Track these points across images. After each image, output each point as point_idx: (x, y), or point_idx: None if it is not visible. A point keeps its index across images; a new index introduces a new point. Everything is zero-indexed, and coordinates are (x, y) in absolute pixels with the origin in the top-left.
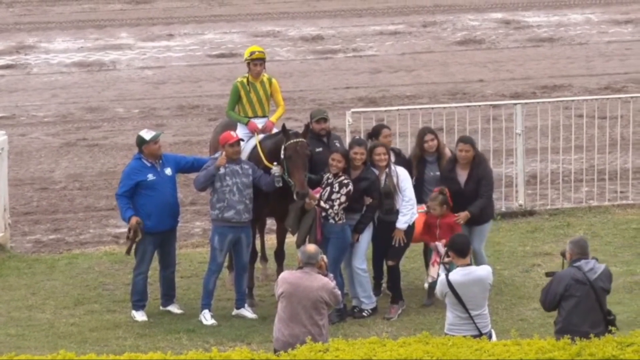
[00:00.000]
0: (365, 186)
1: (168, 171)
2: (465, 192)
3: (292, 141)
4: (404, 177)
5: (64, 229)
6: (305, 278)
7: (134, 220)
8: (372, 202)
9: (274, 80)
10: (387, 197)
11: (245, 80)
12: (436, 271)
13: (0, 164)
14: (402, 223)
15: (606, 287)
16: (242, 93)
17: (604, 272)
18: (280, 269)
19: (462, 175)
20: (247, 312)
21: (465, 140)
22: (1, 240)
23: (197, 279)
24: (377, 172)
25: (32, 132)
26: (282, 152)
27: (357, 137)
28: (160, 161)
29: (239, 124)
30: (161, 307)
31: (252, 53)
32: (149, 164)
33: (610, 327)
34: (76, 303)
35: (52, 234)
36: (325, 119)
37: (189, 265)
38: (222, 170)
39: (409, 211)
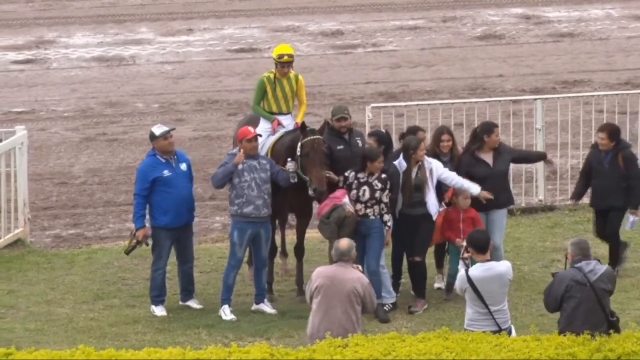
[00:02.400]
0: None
1: (183, 166)
2: (495, 173)
3: (308, 138)
4: (437, 165)
5: (84, 223)
6: (340, 271)
7: (141, 233)
8: (390, 197)
9: (300, 77)
10: (417, 189)
11: (272, 75)
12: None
13: (19, 158)
14: (474, 189)
15: (607, 288)
16: (269, 88)
17: (605, 273)
18: (299, 265)
19: (488, 158)
20: (266, 307)
21: (495, 124)
22: (21, 235)
23: (216, 274)
24: (405, 164)
25: (52, 126)
26: (299, 149)
27: (377, 129)
28: (175, 157)
29: (262, 118)
30: (180, 302)
31: (280, 56)
32: (163, 160)
33: (611, 330)
34: (95, 298)
35: (72, 228)
36: (345, 117)
37: (209, 261)
38: (240, 166)
39: (463, 180)
